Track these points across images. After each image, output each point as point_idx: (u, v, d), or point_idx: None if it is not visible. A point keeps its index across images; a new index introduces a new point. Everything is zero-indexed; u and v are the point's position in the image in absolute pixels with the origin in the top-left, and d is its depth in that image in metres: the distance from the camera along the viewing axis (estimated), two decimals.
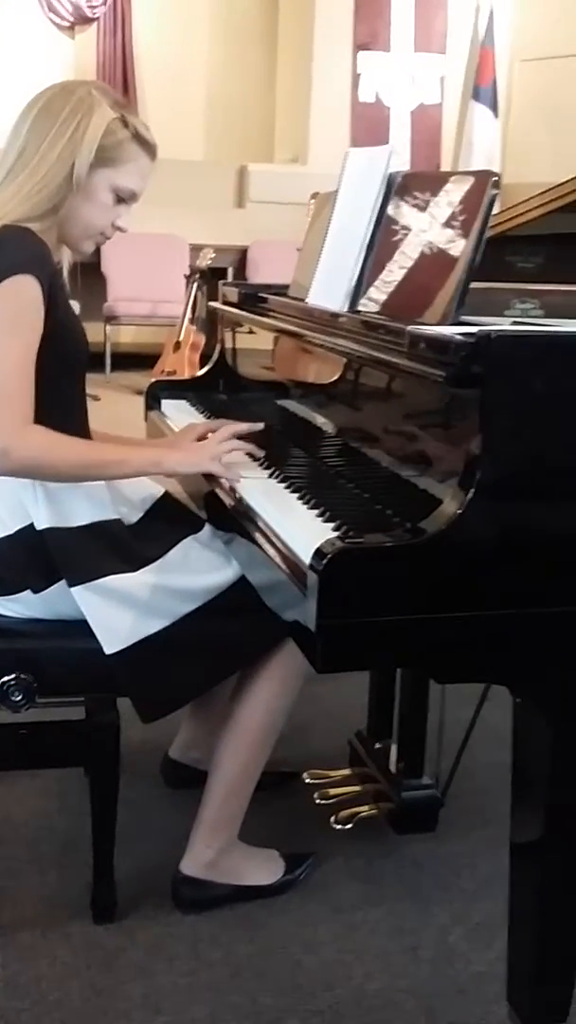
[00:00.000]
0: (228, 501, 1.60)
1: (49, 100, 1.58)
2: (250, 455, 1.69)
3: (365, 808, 1.94)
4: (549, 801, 1.31)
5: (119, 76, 7.82)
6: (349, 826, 1.90)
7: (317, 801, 1.96)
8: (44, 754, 1.73)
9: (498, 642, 1.21)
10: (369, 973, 1.64)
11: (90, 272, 6.38)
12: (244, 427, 1.71)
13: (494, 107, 7.32)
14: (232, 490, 1.60)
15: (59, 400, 1.55)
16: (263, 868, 1.81)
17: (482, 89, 7.28)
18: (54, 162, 1.56)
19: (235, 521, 1.55)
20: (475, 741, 1.93)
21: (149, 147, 1.65)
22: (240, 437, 1.68)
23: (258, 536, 1.43)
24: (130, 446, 1.81)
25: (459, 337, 1.19)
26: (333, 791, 1.99)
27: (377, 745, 2.05)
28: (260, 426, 1.73)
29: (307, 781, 2.03)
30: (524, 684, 1.28)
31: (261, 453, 1.69)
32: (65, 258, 1.69)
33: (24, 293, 1.49)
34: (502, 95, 7.43)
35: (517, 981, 1.46)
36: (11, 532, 1.60)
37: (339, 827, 1.89)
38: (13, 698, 1.57)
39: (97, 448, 1.64)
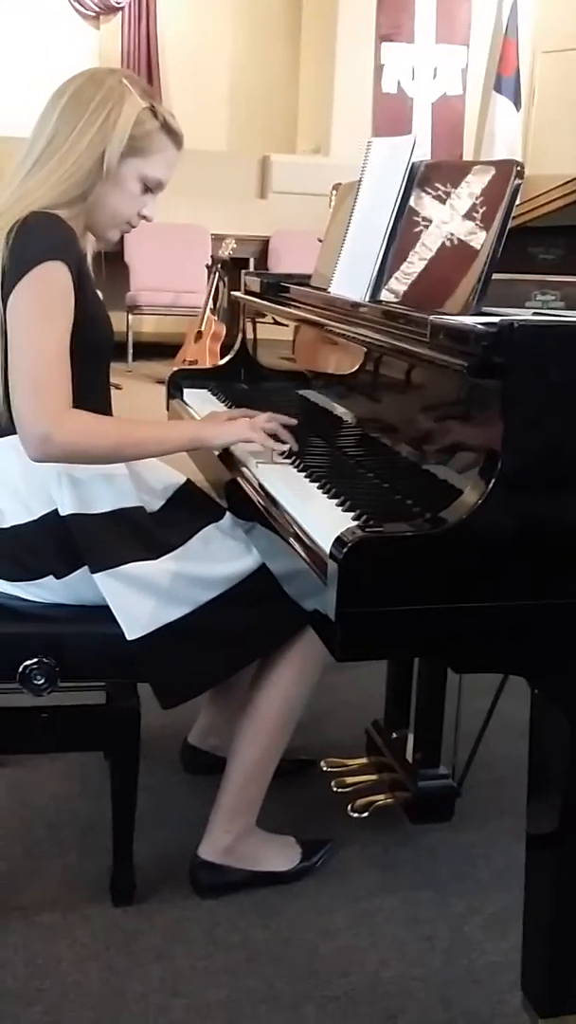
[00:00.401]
0: (249, 490, 1.61)
1: (79, 88, 1.59)
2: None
3: (382, 797, 1.96)
4: (566, 793, 1.32)
5: (143, 66, 7.84)
6: (366, 814, 1.92)
7: (334, 789, 1.98)
8: (65, 738, 1.74)
9: (517, 633, 1.21)
10: (384, 961, 1.65)
11: (113, 261, 6.40)
12: (281, 418, 1.72)
13: (516, 99, 7.29)
14: (254, 479, 1.61)
15: (84, 387, 1.56)
16: (280, 854, 1.82)
17: (504, 80, 7.25)
18: (84, 150, 1.57)
19: (256, 510, 1.56)
20: (492, 732, 1.93)
21: (177, 137, 1.66)
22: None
23: (278, 525, 1.44)
24: (168, 424, 1.81)
25: (481, 327, 1.19)
26: (350, 779, 2.01)
27: (394, 735, 2.06)
28: (293, 421, 1.73)
29: (324, 769, 2.04)
30: (542, 675, 1.28)
31: (294, 444, 1.70)
32: (89, 246, 1.71)
33: (56, 280, 1.51)
34: (524, 86, 7.40)
35: (531, 971, 1.47)
36: (35, 517, 1.61)
37: (356, 815, 1.91)
38: (35, 682, 1.59)
39: (136, 427, 1.64)
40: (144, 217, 1.69)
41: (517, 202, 1.64)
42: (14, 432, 1.53)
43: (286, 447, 1.67)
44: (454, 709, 1.94)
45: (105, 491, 1.61)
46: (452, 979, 1.61)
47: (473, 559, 1.17)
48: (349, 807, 1.92)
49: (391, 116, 7.23)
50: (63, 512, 1.59)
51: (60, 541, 1.60)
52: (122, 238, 1.74)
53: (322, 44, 7.71)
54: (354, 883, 1.83)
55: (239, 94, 8.19)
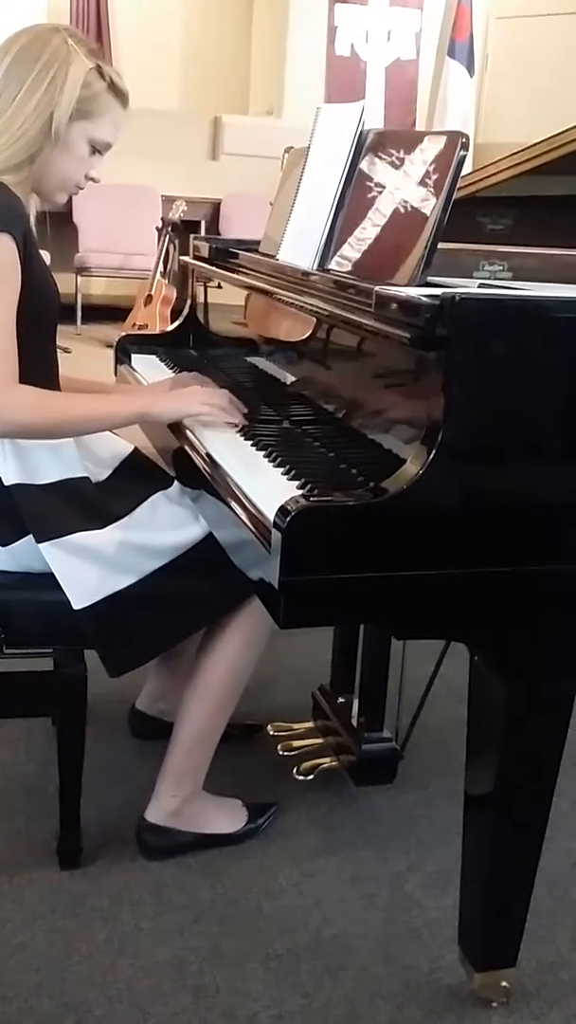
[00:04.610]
0: (196, 458, 1.61)
1: (23, 48, 1.55)
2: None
3: (327, 760, 1.99)
4: (502, 754, 1.36)
5: (93, 23, 7.67)
6: (311, 777, 1.95)
7: (280, 753, 2.01)
8: (12, 704, 1.75)
9: (455, 600, 1.24)
10: (327, 919, 1.68)
11: (61, 222, 6.30)
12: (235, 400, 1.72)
13: (470, 65, 7.26)
14: (201, 447, 1.62)
15: (30, 353, 1.55)
16: (226, 816, 1.85)
17: (458, 45, 7.21)
18: (31, 113, 1.54)
19: (202, 478, 1.56)
20: (434, 697, 1.97)
21: (123, 96, 1.64)
22: None
23: (225, 494, 1.45)
24: (115, 398, 1.80)
25: (424, 299, 1.21)
26: (296, 743, 2.04)
27: (340, 699, 2.09)
28: (243, 411, 1.73)
29: (271, 733, 2.07)
30: (479, 641, 1.31)
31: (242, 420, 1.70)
32: (33, 206, 1.68)
33: (1, 253, 1.49)
34: (478, 53, 7.36)
35: (469, 927, 1.52)
36: None
37: (301, 778, 1.94)
38: None
39: (84, 402, 1.64)
40: (91, 179, 1.67)
41: (467, 171, 1.65)
42: None
43: (234, 427, 1.67)
44: (398, 674, 1.97)
45: (50, 461, 1.61)
46: (392, 935, 1.66)
47: (414, 528, 1.19)
48: (295, 770, 1.95)
49: (344, 79, 7.18)
50: (7, 482, 1.59)
51: (5, 509, 1.59)
52: (70, 198, 1.72)
53: (275, 3, 7.61)
54: (298, 844, 1.86)
55: (191, 53, 8.06)
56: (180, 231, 6.20)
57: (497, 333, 1.18)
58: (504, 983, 1.52)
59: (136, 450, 1.85)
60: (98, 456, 1.76)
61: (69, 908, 1.66)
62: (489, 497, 1.22)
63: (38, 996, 1.48)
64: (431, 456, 1.17)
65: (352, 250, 1.65)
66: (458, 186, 1.47)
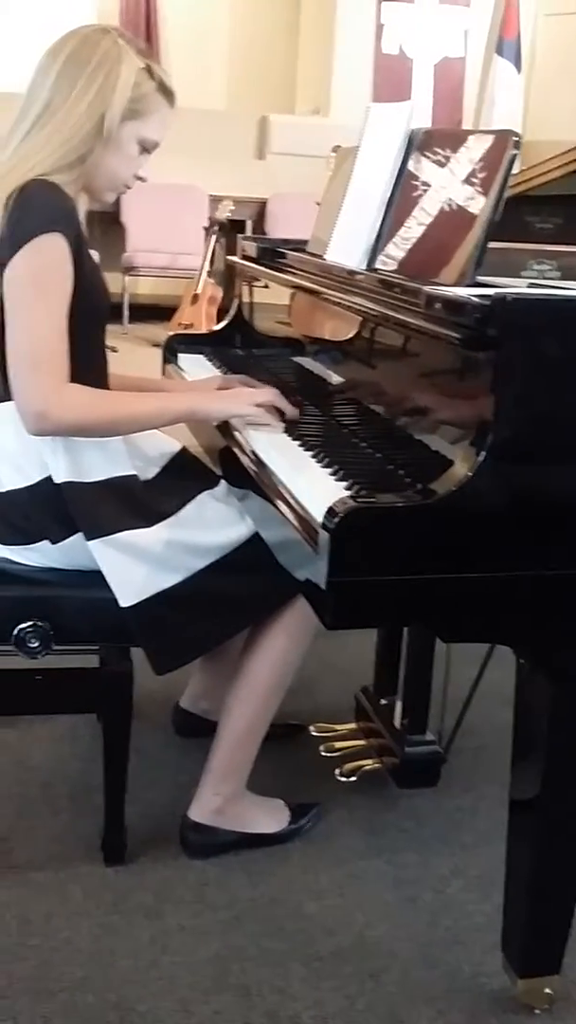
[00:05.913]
0: (243, 458, 1.61)
1: (75, 49, 1.56)
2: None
3: (369, 761, 1.98)
4: (548, 759, 1.34)
5: (142, 23, 7.70)
6: (353, 778, 1.94)
7: (323, 753, 2.00)
8: (59, 700, 1.76)
9: (503, 603, 1.23)
10: (369, 921, 1.68)
11: (109, 222, 6.33)
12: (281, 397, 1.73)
13: (517, 62, 7.18)
14: (247, 447, 1.62)
15: (81, 352, 1.56)
16: (269, 816, 1.85)
17: (506, 43, 7.13)
18: (83, 113, 1.55)
19: (249, 478, 1.57)
20: (478, 700, 1.95)
21: (171, 96, 1.65)
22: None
23: (271, 493, 1.45)
24: (163, 396, 1.81)
25: (475, 299, 1.20)
26: (339, 744, 2.03)
27: (383, 701, 2.09)
28: (293, 409, 1.72)
29: (314, 734, 2.07)
30: (527, 645, 1.30)
31: (293, 413, 1.71)
32: (82, 205, 1.69)
33: (53, 252, 1.50)
34: (526, 50, 7.29)
35: (512, 932, 1.51)
36: (32, 483, 1.62)
37: (344, 779, 1.94)
38: (29, 645, 1.61)
39: (132, 401, 1.65)
40: (139, 178, 1.69)
41: (516, 170, 1.63)
42: (10, 398, 1.53)
43: (282, 425, 1.67)
44: (442, 677, 1.96)
45: (99, 459, 1.61)
46: (435, 939, 1.65)
47: (462, 530, 1.18)
48: (337, 771, 1.95)
49: (392, 78, 7.14)
50: (57, 480, 1.60)
51: (55, 507, 1.60)
52: (118, 198, 1.74)
53: (322, 2, 7.59)
54: (341, 845, 1.86)
55: (238, 53, 8.07)
56: (227, 230, 6.21)
57: (548, 334, 1.17)
58: (548, 990, 1.50)
59: (184, 449, 1.86)
60: (146, 454, 1.77)
61: (113, 904, 1.67)
62: (538, 499, 1.21)
63: (82, 991, 1.50)
64: (481, 458, 1.16)
65: (397, 249, 1.64)
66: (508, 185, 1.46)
